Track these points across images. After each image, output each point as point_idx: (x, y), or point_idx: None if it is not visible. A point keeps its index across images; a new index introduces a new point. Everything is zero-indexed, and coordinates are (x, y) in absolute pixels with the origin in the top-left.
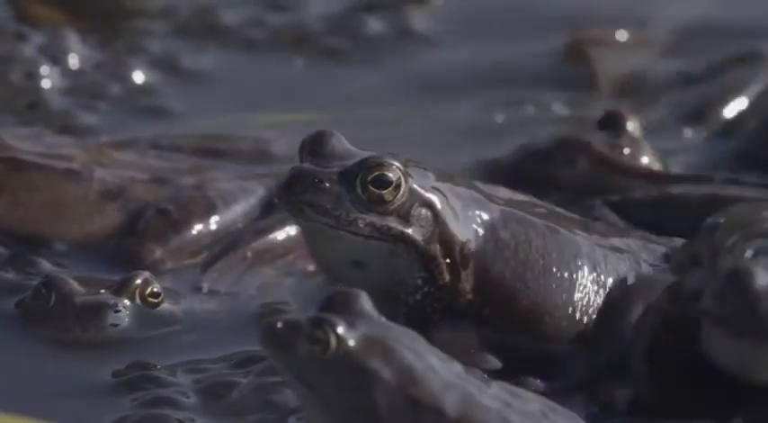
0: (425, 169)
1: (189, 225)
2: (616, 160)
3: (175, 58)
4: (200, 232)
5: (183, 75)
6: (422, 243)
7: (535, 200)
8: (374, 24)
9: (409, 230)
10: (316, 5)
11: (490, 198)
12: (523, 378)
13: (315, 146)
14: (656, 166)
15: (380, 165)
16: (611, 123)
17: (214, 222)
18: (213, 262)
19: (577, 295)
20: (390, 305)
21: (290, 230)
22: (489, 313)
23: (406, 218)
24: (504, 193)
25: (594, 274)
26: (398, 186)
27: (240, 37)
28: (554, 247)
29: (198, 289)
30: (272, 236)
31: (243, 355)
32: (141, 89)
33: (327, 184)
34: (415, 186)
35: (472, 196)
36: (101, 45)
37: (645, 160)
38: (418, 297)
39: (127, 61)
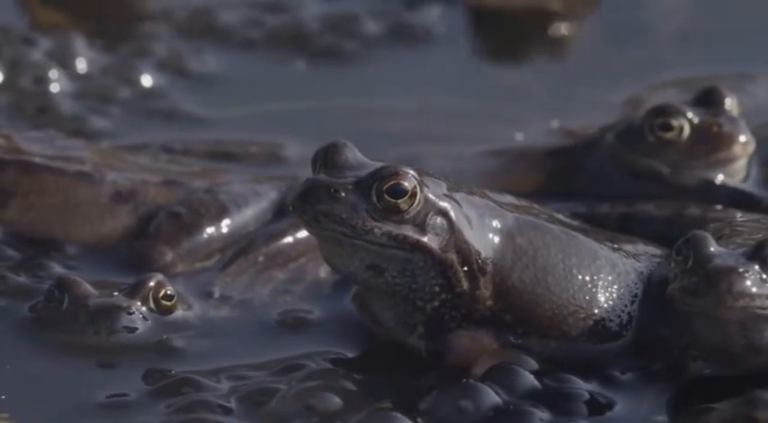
0: (439, 178)
1: (200, 228)
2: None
3: (183, 60)
4: (211, 235)
5: (191, 77)
6: (438, 251)
7: (536, 206)
8: (371, 25)
9: (425, 239)
10: (313, 6)
11: (502, 205)
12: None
13: (328, 157)
14: (752, 146)
15: (396, 174)
16: (709, 100)
17: (225, 226)
18: (226, 266)
19: (600, 295)
20: (409, 312)
21: (302, 234)
22: (511, 319)
23: (421, 226)
24: (509, 199)
25: (615, 274)
26: (414, 195)
27: (242, 37)
28: (573, 250)
29: (210, 293)
30: (284, 240)
31: (282, 362)
32: (150, 92)
33: (343, 194)
34: (429, 195)
35: (486, 204)
36: (108, 49)
37: (742, 139)
38: (436, 304)
39: (134, 64)
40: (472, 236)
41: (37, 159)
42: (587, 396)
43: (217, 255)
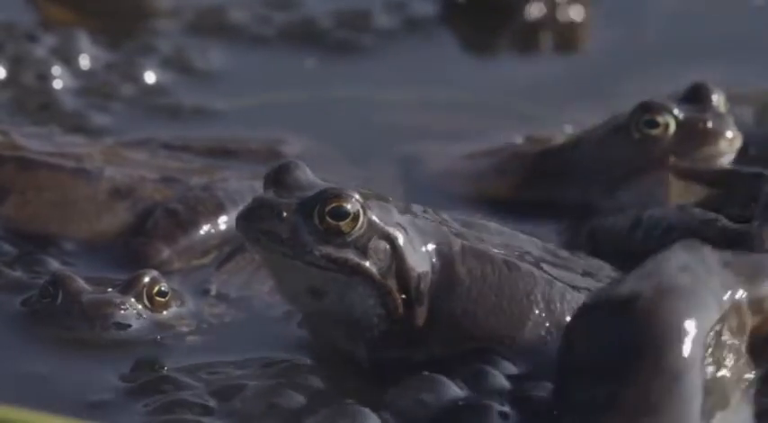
0: (387, 202)
1: (197, 225)
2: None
3: (186, 57)
4: (208, 233)
5: (194, 74)
6: (378, 276)
7: (520, 235)
8: (383, 18)
9: (366, 263)
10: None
11: (457, 233)
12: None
13: (279, 176)
14: (738, 142)
15: (338, 197)
16: (696, 95)
17: (222, 223)
18: (223, 264)
19: (526, 333)
20: (352, 336)
21: None
22: (440, 350)
23: (363, 250)
24: (491, 228)
25: (547, 312)
26: (356, 218)
27: (253, 34)
28: (508, 283)
29: (206, 290)
30: None
31: (256, 359)
32: (153, 89)
33: (285, 214)
34: (374, 219)
35: (434, 229)
36: (112, 45)
37: (728, 135)
38: (375, 333)
39: (138, 61)
40: (414, 262)
41: (35, 155)
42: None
43: (213, 252)
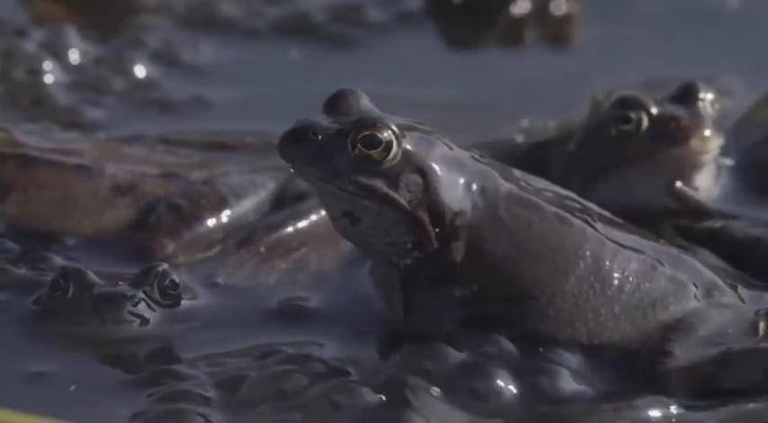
0: (436, 137)
1: (200, 219)
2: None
3: (176, 51)
4: (211, 226)
5: (184, 67)
6: (407, 208)
7: (575, 196)
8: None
9: (395, 194)
10: None
11: (507, 179)
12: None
13: (331, 102)
14: (714, 142)
15: (372, 125)
16: (686, 95)
17: (225, 216)
18: (229, 256)
19: (568, 287)
20: (386, 268)
21: (303, 224)
22: (477, 288)
23: (394, 181)
24: (540, 183)
25: (594, 269)
26: (388, 148)
27: (239, 28)
28: (556, 235)
29: (213, 283)
30: (285, 230)
31: (260, 348)
32: (144, 83)
33: (320, 137)
34: (410, 151)
35: (481, 171)
36: (101, 40)
37: (701, 134)
38: (409, 261)
39: (128, 55)
40: (449, 199)
41: (36, 153)
42: (561, 372)
43: (217, 245)
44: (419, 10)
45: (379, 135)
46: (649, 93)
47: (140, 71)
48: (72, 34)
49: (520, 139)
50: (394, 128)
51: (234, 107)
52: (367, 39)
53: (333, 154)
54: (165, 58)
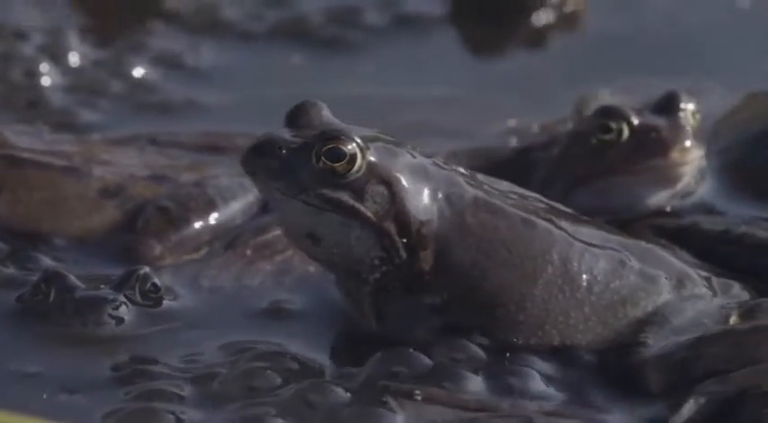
0: (399, 147)
1: (188, 221)
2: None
3: (175, 53)
4: (199, 228)
5: (182, 70)
6: (374, 219)
7: (539, 197)
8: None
9: (361, 206)
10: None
11: (472, 185)
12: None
13: (294, 115)
14: (694, 153)
15: (336, 138)
16: (667, 105)
17: (213, 219)
18: (215, 259)
19: (537, 291)
20: (354, 283)
21: None
22: (447, 296)
23: (359, 193)
24: (504, 186)
25: (562, 272)
26: (352, 161)
27: (239, 31)
28: (522, 240)
29: (198, 285)
30: (271, 233)
31: (235, 346)
32: (141, 85)
33: (284, 151)
34: (374, 162)
35: (446, 178)
36: (100, 42)
37: (680, 146)
38: (377, 275)
39: (126, 58)
40: (415, 208)
41: (25, 154)
42: (531, 374)
43: (205, 247)
44: (417, 13)
45: (343, 148)
46: (633, 101)
47: (138, 73)
48: (72, 37)
49: (509, 141)
50: (358, 140)
51: (232, 110)
52: (365, 41)
53: (297, 167)
54: (163, 61)
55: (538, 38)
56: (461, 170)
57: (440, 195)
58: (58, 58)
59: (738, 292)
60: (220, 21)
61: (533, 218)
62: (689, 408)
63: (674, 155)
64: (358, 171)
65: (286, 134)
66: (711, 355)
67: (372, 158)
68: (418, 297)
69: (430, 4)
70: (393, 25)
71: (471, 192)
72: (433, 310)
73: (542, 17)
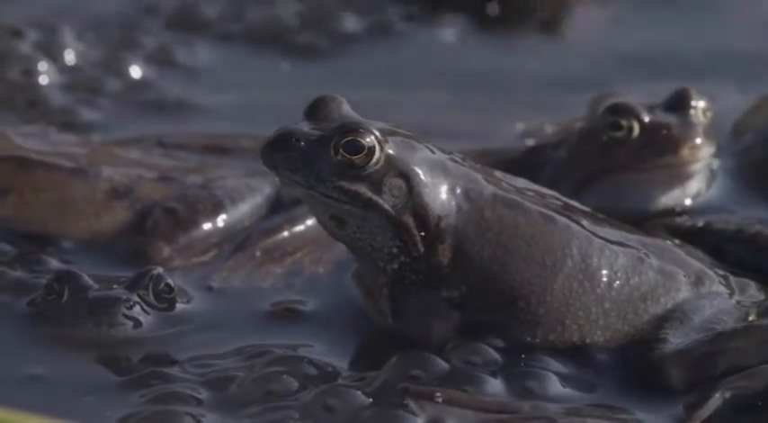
0: (417, 141)
1: (196, 223)
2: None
3: (170, 51)
4: (207, 230)
5: (180, 69)
6: (392, 212)
7: (557, 194)
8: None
9: (379, 198)
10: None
11: (490, 181)
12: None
13: (313, 109)
14: (705, 151)
15: (355, 131)
16: (678, 102)
17: (221, 220)
18: (225, 261)
19: (557, 286)
20: (373, 272)
21: (298, 229)
22: (466, 290)
23: (377, 186)
24: (521, 183)
25: (582, 267)
26: (370, 153)
27: (224, 31)
28: (542, 235)
29: (207, 287)
30: (280, 235)
31: (251, 350)
32: (139, 84)
33: (303, 144)
34: (393, 155)
35: (464, 173)
36: (97, 41)
37: (691, 143)
38: (395, 266)
39: (123, 56)
40: (433, 202)
41: (33, 155)
42: (549, 376)
43: (213, 249)
44: (398, 17)
45: (361, 140)
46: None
47: (135, 72)
48: (67, 35)
49: (518, 141)
50: (377, 133)
51: (230, 109)
52: (343, 44)
53: (316, 160)
54: (159, 59)
55: (532, 39)
56: (480, 166)
57: (458, 190)
58: (54, 56)
59: (755, 290)
60: (218, 20)
61: (552, 214)
62: (714, 402)
63: (685, 152)
64: (376, 164)
65: (305, 127)
66: (732, 350)
67: (391, 151)
68: (436, 291)
69: (410, 9)
70: (371, 31)
71: (490, 188)
72: (450, 304)
73: (532, 20)
